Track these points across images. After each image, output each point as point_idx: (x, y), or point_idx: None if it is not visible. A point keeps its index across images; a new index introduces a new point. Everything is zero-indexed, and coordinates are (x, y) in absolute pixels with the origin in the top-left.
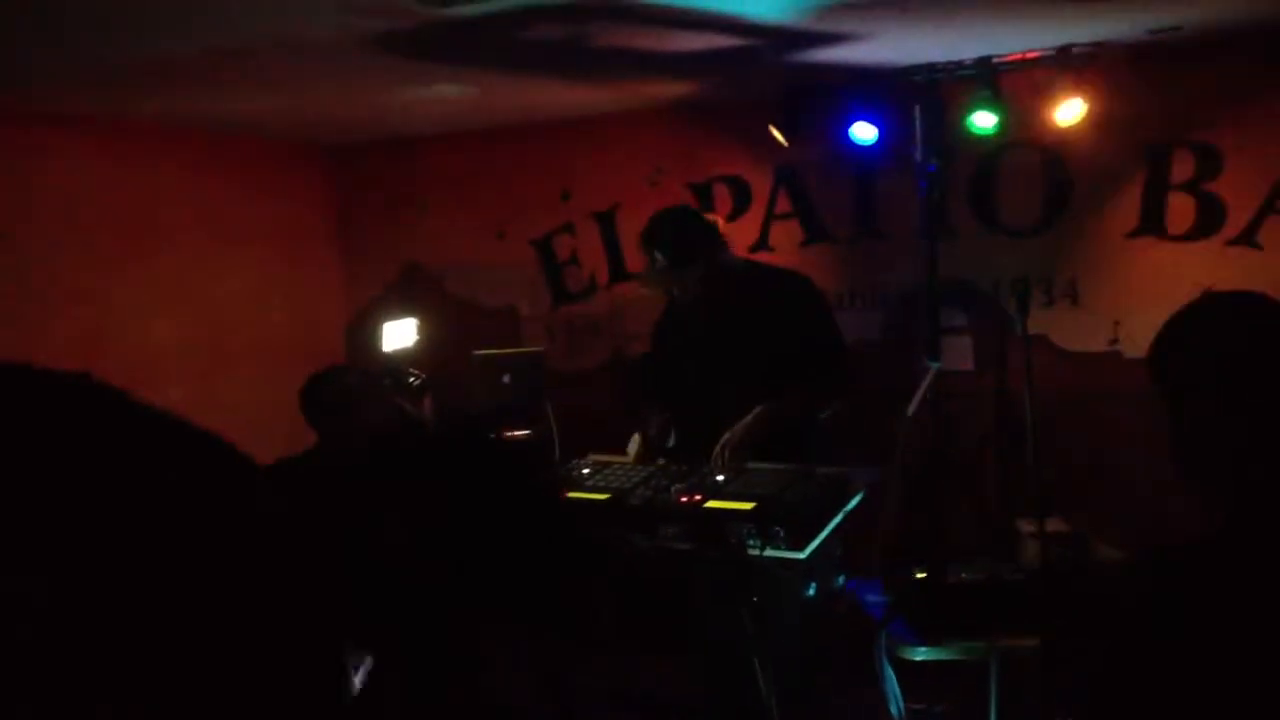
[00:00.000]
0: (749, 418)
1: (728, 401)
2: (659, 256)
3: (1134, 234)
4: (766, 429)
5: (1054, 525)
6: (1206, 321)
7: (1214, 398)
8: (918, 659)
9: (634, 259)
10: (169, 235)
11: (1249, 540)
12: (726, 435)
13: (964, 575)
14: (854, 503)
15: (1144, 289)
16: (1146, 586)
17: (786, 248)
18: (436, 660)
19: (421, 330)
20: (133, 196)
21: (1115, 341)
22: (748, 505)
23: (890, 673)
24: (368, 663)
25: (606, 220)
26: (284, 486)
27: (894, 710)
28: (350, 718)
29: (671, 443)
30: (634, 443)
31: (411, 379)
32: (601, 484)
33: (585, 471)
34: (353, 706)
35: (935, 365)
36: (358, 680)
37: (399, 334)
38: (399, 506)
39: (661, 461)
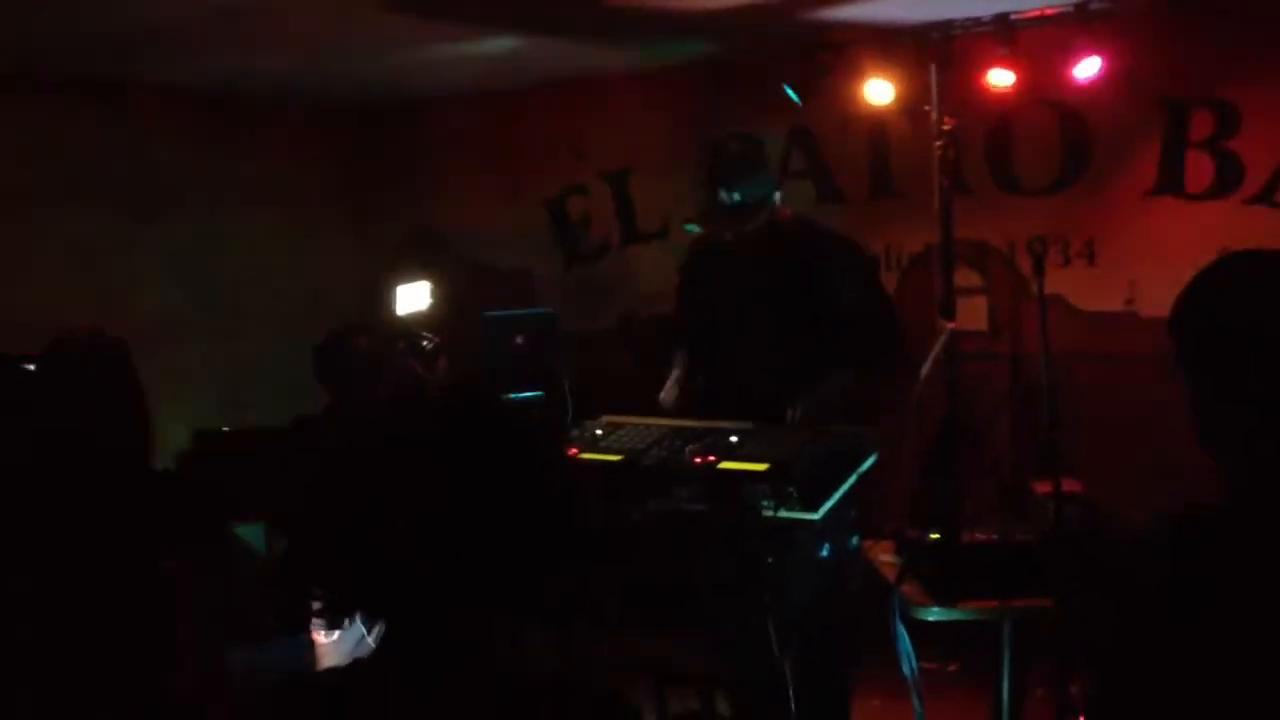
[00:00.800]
0: (827, 384)
1: (767, 363)
2: (727, 196)
3: (1152, 193)
4: (839, 398)
5: (1068, 487)
6: (1225, 287)
7: (1232, 366)
8: (930, 619)
9: (647, 220)
10: (180, 200)
11: (1263, 512)
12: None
13: (977, 536)
14: (868, 464)
15: (1161, 248)
16: (1161, 555)
17: (800, 208)
18: (434, 646)
19: (435, 293)
20: (144, 162)
21: (1131, 301)
22: (762, 466)
23: (903, 633)
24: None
25: (619, 181)
26: (305, 445)
27: (906, 670)
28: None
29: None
30: (671, 382)
31: (425, 342)
32: (615, 445)
33: (598, 433)
34: (355, 684)
35: (950, 326)
36: (372, 640)
37: (412, 297)
38: (402, 494)
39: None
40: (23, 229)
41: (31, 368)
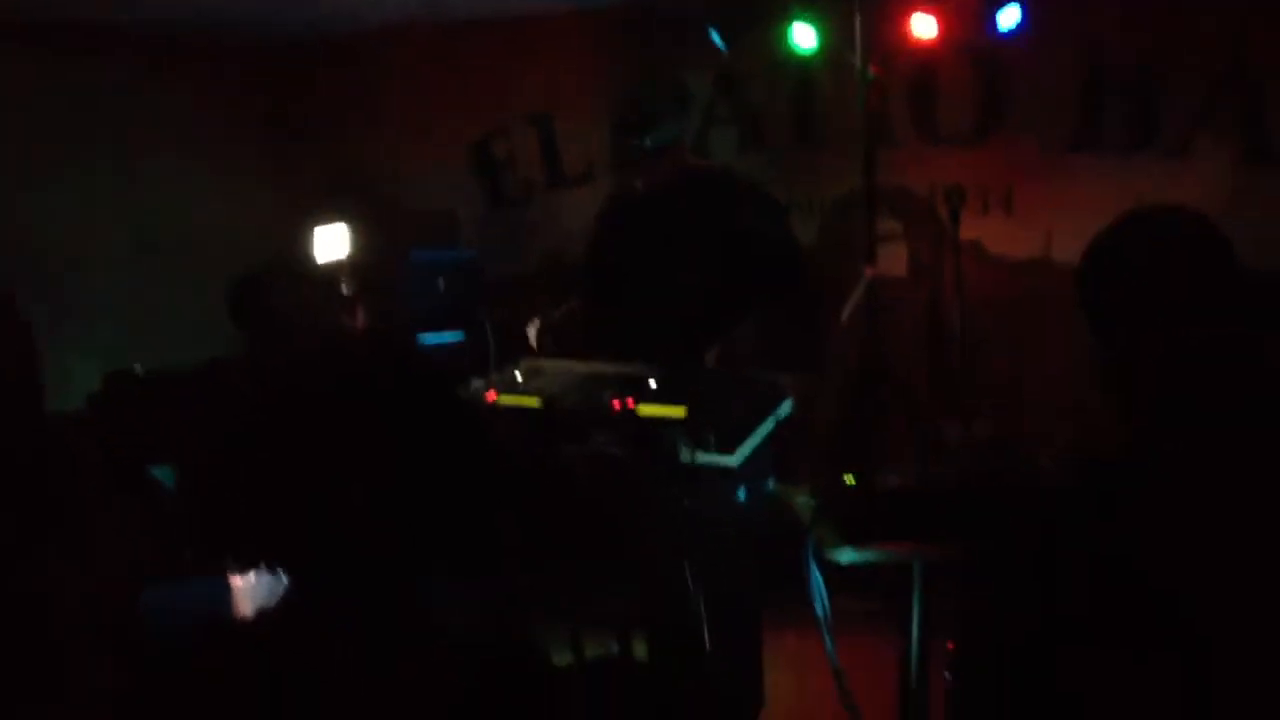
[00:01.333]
0: (739, 329)
1: (678, 309)
2: (639, 141)
3: (1070, 145)
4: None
5: (980, 430)
6: (1129, 241)
7: (1131, 316)
8: (844, 561)
9: (572, 164)
10: (93, 136)
11: (1158, 456)
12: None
13: (890, 480)
14: (785, 408)
15: (1078, 200)
16: (1059, 497)
17: (725, 154)
18: (346, 596)
19: (354, 236)
20: (58, 98)
21: (1047, 250)
22: (680, 411)
23: (816, 574)
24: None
25: (543, 123)
26: (219, 393)
27: (819, 609)
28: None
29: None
30: (533, 327)
31: (344, 287)
32: (534, 389)
33: (518, 377)
34: (263, 634)
35: (871, 272)
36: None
37: (331, 241)
38: (315, 445)
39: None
40: None
41: None
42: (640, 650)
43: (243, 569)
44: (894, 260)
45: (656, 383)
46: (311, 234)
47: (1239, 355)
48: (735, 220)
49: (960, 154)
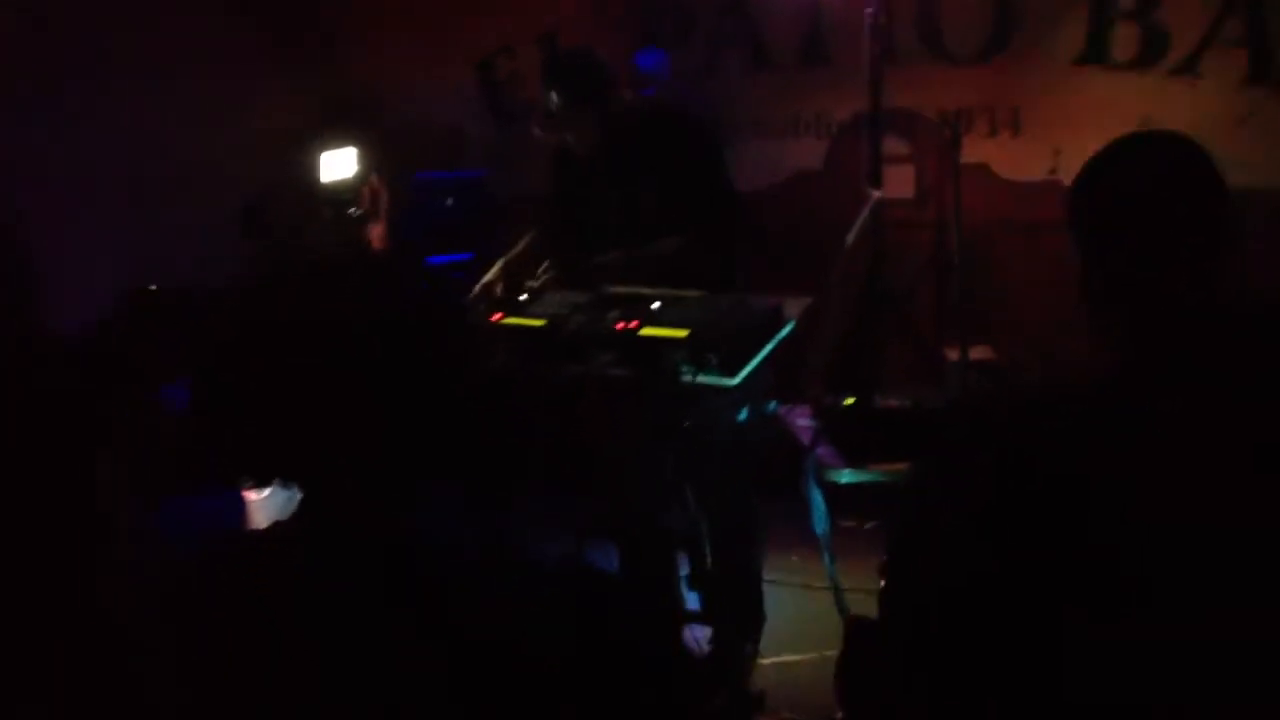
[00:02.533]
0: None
1: (618, 242)
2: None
3: (1078, 62)
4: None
5: (979, 354)
6: (1121, 164)
7: (1118, 240)
8: (843, 481)
9: None
10: (91, 60)
11: (1139, 381)
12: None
13: (890, 402)
14: (786, 330)
15: (1085, 118)
16: (1042, 416)
17: (731, 74)
18: (351, 511)
19: (361, 159)
20: (47, 20)
21: (1055, 171)
22: (682, 332)
23: (817, 494)
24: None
25: (548, 44)
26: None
27: (819, 529)
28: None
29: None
30: (495, 267)
31: (352, 210)
32: (538, 310)
33: (522, 298)
34: (274, 547)
35: (876, 194)
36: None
37: (338, 163)
38: (318, 363)
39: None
40: None
41: None
42: (639, 567)
43: (256, 484)
44: (901, 181)
45: (660, 304)
46: (319, 155)
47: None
48: (668, 155)
49: (967, 73)
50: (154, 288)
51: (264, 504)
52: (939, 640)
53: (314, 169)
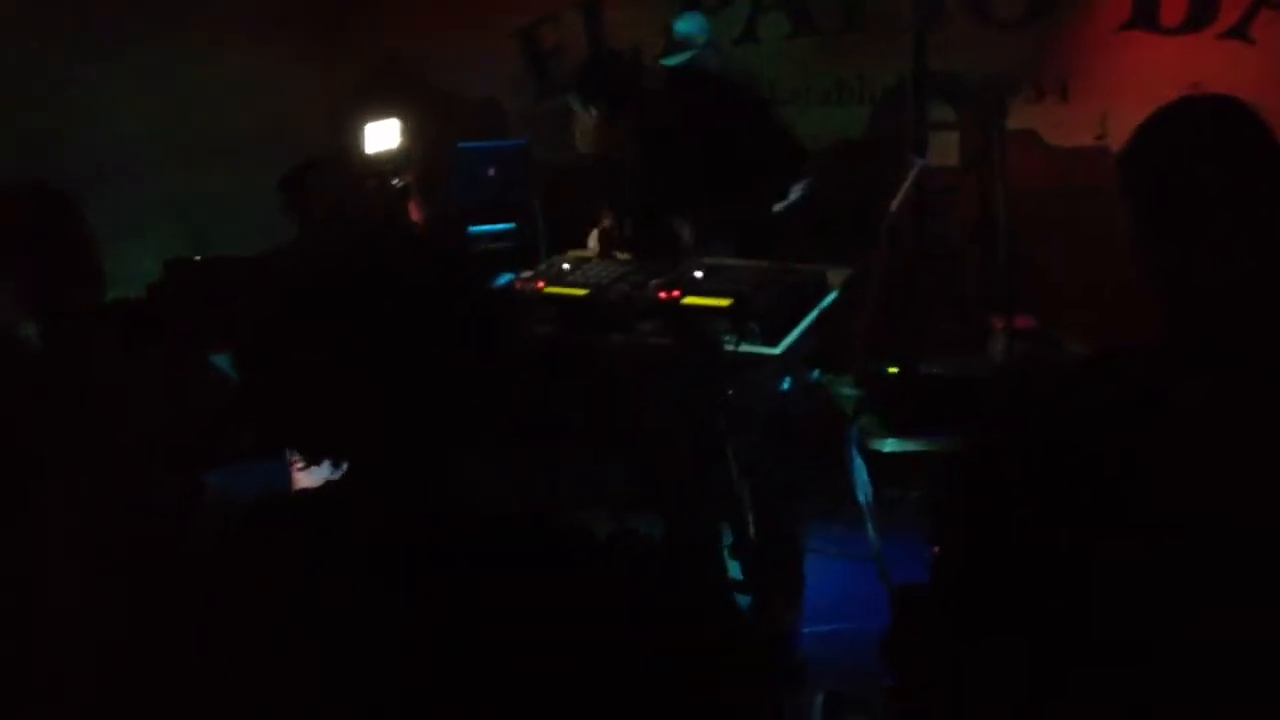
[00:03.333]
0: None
1: (681, 207)
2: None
3: (1126, 25)
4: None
5: (1023, 322)
6: (1174, 128)
7: (1171, 207)
8: (886, 450)
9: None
10: (138, 35)
11: (1188, 349)
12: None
13: (934, 371)
14: (830, 299)
15: (1133, 82)
16: (1080, 391)
17: (772, 39)
18: (394, 476)
19: (404, 131)
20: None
21: (1103, 136)
22: (725, 301)
23: (860, 463)
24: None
25: (592, 11)
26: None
27: (861, 498)
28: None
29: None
30: (593, 238)
31: (396, 181)
32: (580, 279)
33: (565, 267)
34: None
35: (921, 161)
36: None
37: (381, 135)
38: (354, 333)
39: (624, 255)
40: None
41: None
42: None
43: (305, 461)
44: (945, 148)
45: (702, 273)
46: (362, 126)
47: None
48: (727, 119)
49: (1013, 37)
50: (198, 258)
51: (309, 470)
52: (984, 609)
53: (358, 140)
